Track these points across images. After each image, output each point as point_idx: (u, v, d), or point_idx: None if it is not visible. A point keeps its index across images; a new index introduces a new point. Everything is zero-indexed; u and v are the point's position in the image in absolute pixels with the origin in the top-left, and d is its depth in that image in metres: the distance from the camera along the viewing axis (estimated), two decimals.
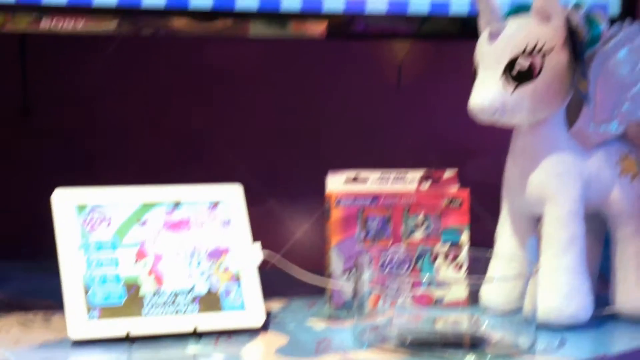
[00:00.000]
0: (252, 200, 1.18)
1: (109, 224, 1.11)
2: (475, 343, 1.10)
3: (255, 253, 1.14)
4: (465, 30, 1.33)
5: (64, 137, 1.42)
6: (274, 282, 1.35)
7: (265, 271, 1.45)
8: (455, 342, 1.10)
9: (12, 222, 1.39)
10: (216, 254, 1.12)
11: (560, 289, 1.14)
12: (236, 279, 1.12)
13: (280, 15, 1.27)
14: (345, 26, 1.29)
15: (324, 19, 1.28)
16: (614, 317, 1.21)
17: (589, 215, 1.20)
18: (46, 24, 1.20)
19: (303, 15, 1.28)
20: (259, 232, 1.17)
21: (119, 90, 1.44)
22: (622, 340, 1.12)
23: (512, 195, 1.20)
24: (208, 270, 1.11)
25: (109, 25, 1.22)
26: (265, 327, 1.12)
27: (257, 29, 1.27)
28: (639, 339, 1.12)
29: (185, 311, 1.08)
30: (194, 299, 1.09)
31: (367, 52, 1.47)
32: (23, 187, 1.40)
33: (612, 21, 1.21)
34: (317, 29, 1.27)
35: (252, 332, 1.10)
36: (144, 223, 1.12)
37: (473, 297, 1.21)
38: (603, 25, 1.17)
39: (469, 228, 1.24)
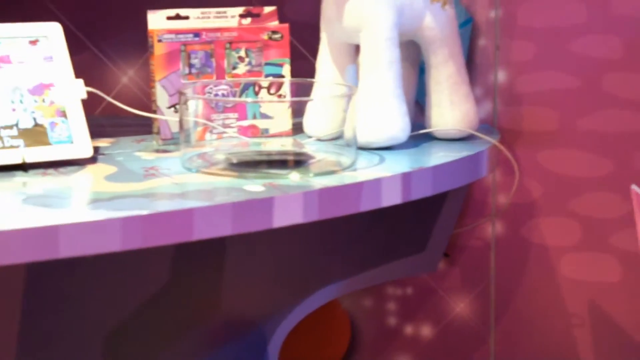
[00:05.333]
0: (75, 46, 1.17)
1: None
2: (300, 161, 1.14)
3: (79, 88, 1.14)
4: None
5: None
6: (102, 125, 1.36)
7: (93, 116, 1.45)
8: (280, 162, 1.13)
9: None
10: (40, 89, 1.12)
11: (379, 111, 1.18)
12: (62, 113, 1.12)
13: None
14: None
15: None
16: (429, 138, 1.27)
17: (403, 42, 1.25)
18: None
19: None
20: (85, 77, 1.17)
21: None
22: (436, 156, 1.18)
23: (329, 25, 1.23)
24: (32, 104, 1.11)
25: None
26: (93, 160, 1.13)
27: None
28: (451, 155, 1.18)
29: (11, 145, 1.08)
30: (19, 133, 1.09)
31: None
32: None
33: None
34: None
35: (80, 164, 1.11)
36: None
37: (297, 128, 1.25)
38: None
39: (290, 62, 1.27)
